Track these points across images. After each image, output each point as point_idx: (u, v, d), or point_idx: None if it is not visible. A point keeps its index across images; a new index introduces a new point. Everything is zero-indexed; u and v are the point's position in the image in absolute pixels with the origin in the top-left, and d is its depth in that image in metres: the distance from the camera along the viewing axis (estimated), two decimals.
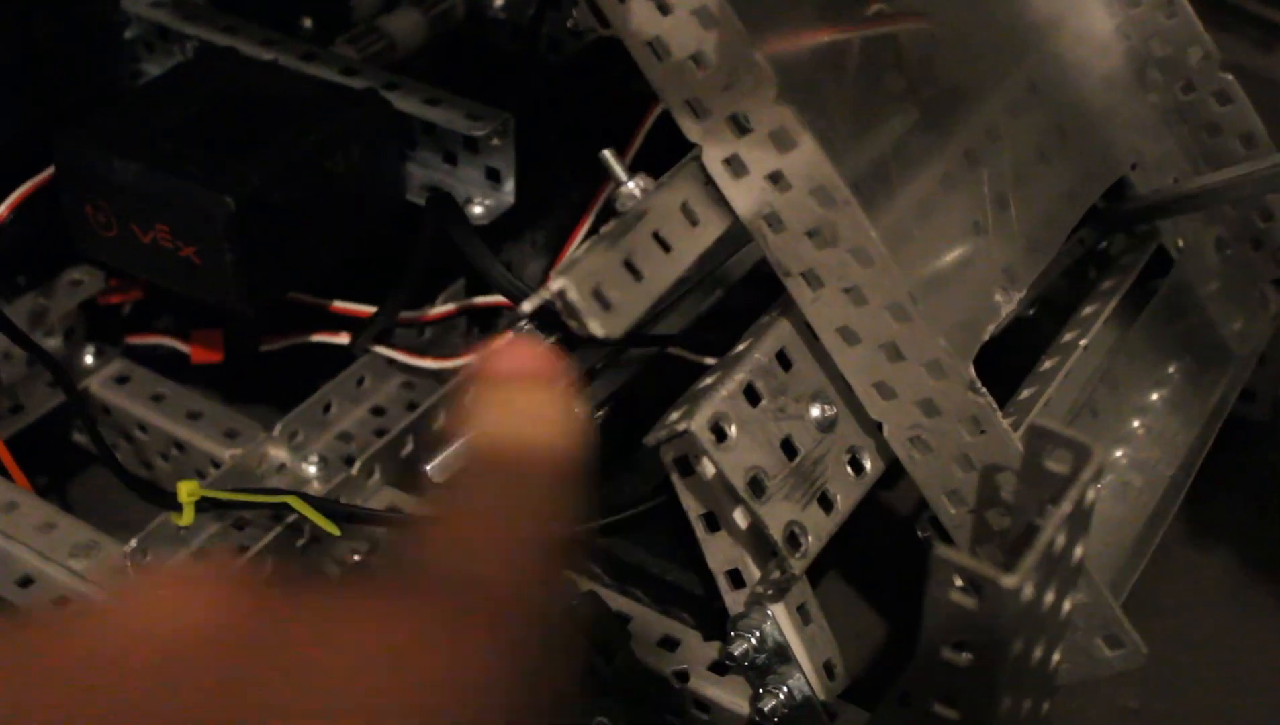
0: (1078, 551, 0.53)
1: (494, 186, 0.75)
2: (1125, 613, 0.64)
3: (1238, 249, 0.76)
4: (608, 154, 0.58)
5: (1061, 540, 0.51)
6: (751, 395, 0.60)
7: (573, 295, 0.53)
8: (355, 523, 0.70)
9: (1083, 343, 0.71)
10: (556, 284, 0.53)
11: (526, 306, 0.54)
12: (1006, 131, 0.71)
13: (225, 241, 0.67)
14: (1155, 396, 0.75)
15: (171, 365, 0.81)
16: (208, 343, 0.78)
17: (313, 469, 0.73)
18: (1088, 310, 0.73)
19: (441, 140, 0.75)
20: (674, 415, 0.60)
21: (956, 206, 0.68)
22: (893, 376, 0.60)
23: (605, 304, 0.54)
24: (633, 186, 0.58)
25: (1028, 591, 0.49)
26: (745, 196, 0.59)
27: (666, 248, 0.57)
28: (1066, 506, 0.50)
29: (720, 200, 0.59)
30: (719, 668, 0.66)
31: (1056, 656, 0.56)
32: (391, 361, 0.77)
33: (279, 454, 0.73)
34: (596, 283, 0.54)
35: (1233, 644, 0.76)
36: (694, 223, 0.59)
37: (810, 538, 0.60)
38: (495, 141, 0.73)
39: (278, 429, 0.74)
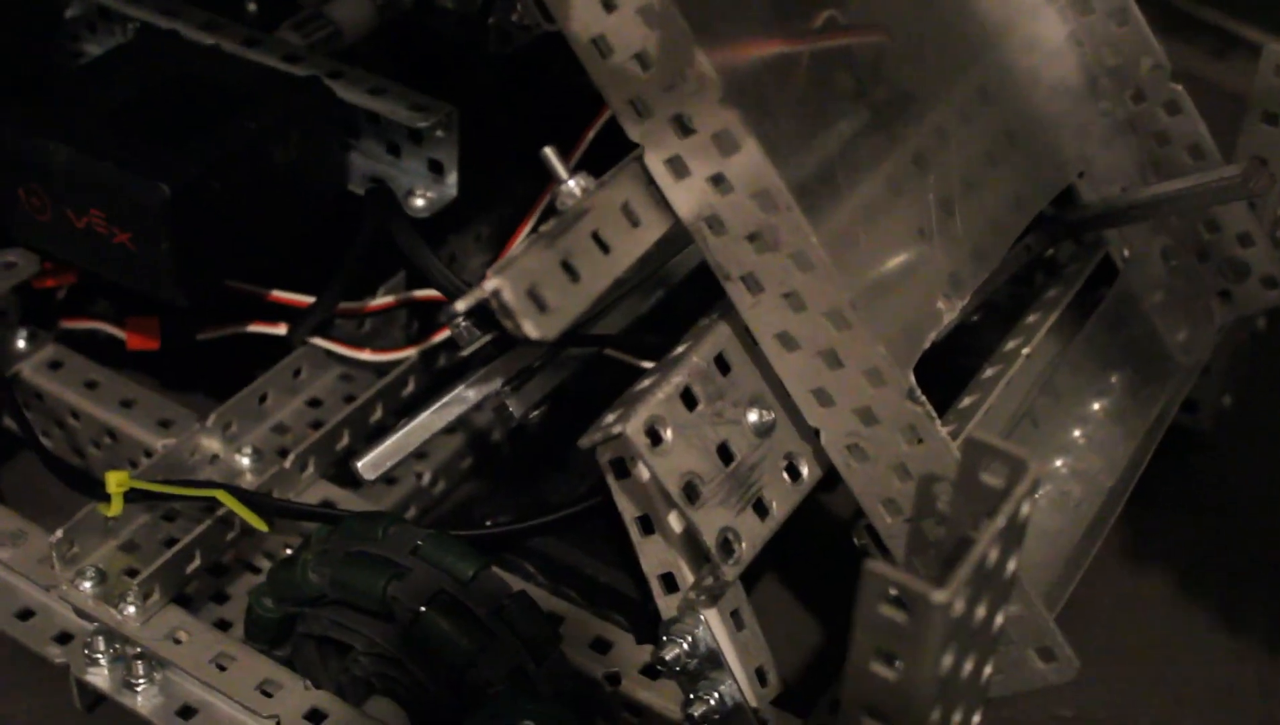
0: (1011, 565, 0.53)
1: (437, 179, 0.74)
2: (1063, 621, 0.64)
3: (1183, 260, 0.76)
4: (549, 152, 0.58)
5: (994, 555, 0.50)
6: (689, 399, 0.59)
7: (507, 296, 0.52)
8: (287, 518, 0.69)
9: (1025, 351, 0.71)
10: (491, 284, 0.52)
11: (460, 306, 0.53)
12: (956, 136, 0.71)
13: (161, 229, 0.66)
14: (1097, 406, 0.75)
15: (108, 351, 0.80)
16: (144, 330, 0.77)
17: (246, 461, 0.72)
18: (1032, 318, 0.73)
19: (385, 131, 0.74)
20: (610, 417, 0.59)
21: (903, 212, 0.67)
22: (831, 383, 0.60)
23: (541, 305, 0.53)
24: (573, 185, 0.57)
25: (958, 606, 0.48)
26: (687, 198, 0.58)
27: (606, 248, 0.56)
28: (1000, 521, 0.50)
29: (661, 201, 0.59)
30: (651, 671, 0.66)
31: (988, 669, 0.55)
32: (330, 353, 0.76)
33: (212, 445, 0.72)
34: (532, 283, 0.53)
35: (1169, 654, 0.76)
36: (635, 224, 0.58)
37: (744, 544, 0.60)
38: (439, 134, 0.72)
39: (211, 420, 0.72)
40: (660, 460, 0.58)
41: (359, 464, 0.63)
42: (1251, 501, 0.84)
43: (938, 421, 0.61)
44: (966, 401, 0.68)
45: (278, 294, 0.73)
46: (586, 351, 0.67)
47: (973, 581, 0.49)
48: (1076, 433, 0.74)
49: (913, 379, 0.61)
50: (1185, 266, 0.76)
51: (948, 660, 0.50)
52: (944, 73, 0.72)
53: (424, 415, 0.63)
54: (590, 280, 0.55)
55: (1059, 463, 0.73)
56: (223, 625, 0.70)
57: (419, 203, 0.73)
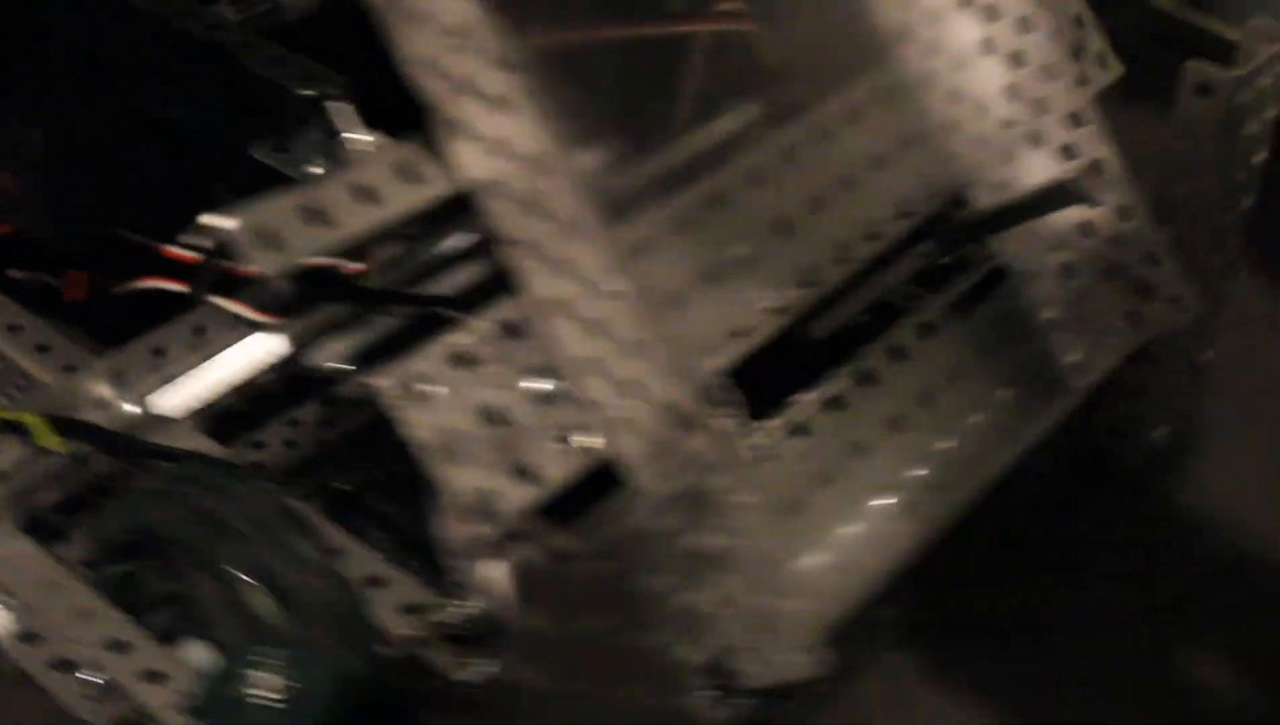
0: (702, 540, 0.52)
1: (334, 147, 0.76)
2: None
3: (1087, 277, 0.74)
4: (330, 106, 0.59)
5: (670, 523, 0.50)
6: (463, 360, 0.60)
7: (236, 232, 0.54)
8: (140, 455, 0.71)
9: (880, 354, 0.69)
10: (223, 221, 0.54)
11: (189, 238, 0.55)
12: (841, 135, 0.71)
13: (35, 172, 0.69)
14: (974, 419, 0.73)
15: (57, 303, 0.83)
16: (75, 282, 0.81)
17: (135, 409, 0.75)
18: (900, 325, 0.72)
19: (292, 103, 0.76)
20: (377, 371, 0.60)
21: (760, 204, 0.67)
22: (598, 354, 0.60)
23: (275, 244, 0.54)
24: (351, 137, 0.59)
25: (606, 567, 0.48)
26: (469, 159, 0.59)
27: (375, 199, 0.58)
28: (671, 486, 0.50)
29: (445, 161, 0.60)
30: (453, 636, 0.66)
31: (703, 652, 0.54)
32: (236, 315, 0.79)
33: (98, 389, 0.75)
34: (267, 224, 0.54)
35: (1168, 654, 0.76)
36: (414, 180, 0.59)
37: (506, 505, 0.60)
38: (334, 104, 0.74)
39: (98, 365, 0.75)
40: (415, 415, 0.58)
41: (148, 397, 0.65)
42: (1241, 506, 0.83)
43: (716, 407, 0.60)
44: (801, 397, 0.67)
45: (170, 249, 0.76)
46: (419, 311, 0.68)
47: (631, 546, 0.49)
48: (948, 444, 0.72)
49: (718, 363, 0.61)
50: (1088, 285, 0.74)
51: (589, 621, 0.49)
52: (836, 72, 0.72)
53: (218, 361, 0.65)
54: (349, 225, 0.57)
55: (923, 471, 0.71)
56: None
57: (317, 171, 0.75)
